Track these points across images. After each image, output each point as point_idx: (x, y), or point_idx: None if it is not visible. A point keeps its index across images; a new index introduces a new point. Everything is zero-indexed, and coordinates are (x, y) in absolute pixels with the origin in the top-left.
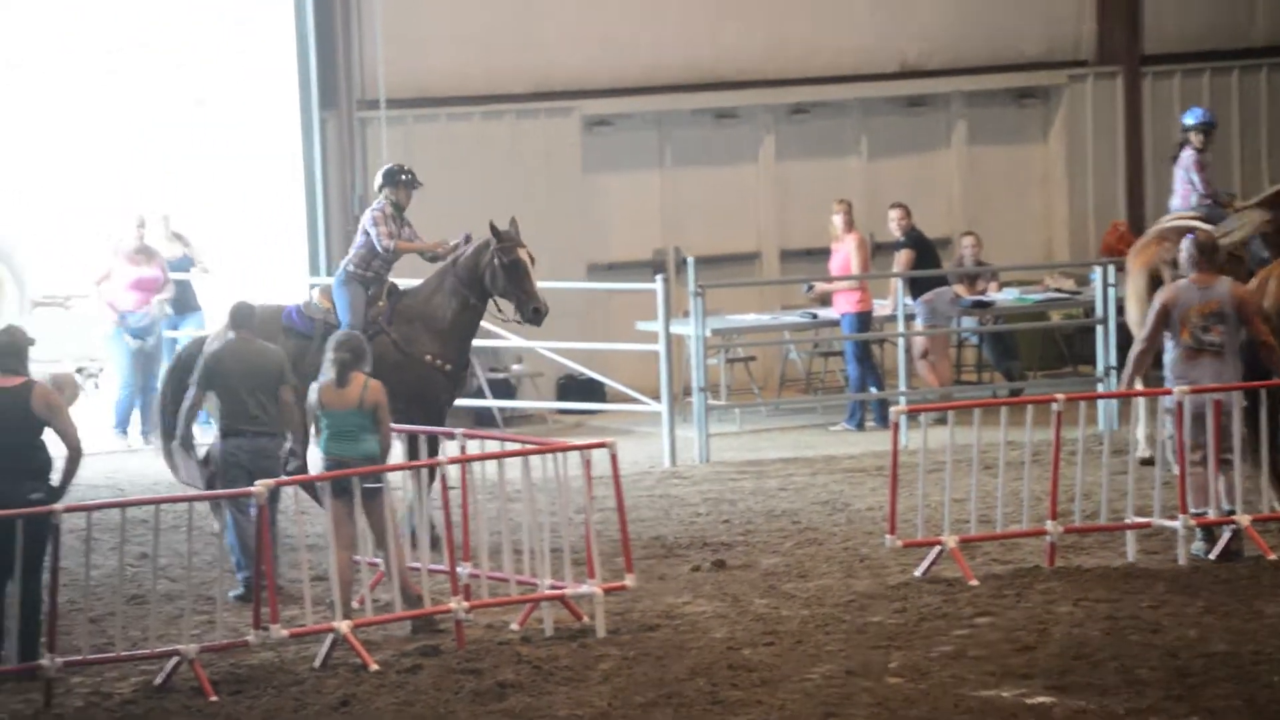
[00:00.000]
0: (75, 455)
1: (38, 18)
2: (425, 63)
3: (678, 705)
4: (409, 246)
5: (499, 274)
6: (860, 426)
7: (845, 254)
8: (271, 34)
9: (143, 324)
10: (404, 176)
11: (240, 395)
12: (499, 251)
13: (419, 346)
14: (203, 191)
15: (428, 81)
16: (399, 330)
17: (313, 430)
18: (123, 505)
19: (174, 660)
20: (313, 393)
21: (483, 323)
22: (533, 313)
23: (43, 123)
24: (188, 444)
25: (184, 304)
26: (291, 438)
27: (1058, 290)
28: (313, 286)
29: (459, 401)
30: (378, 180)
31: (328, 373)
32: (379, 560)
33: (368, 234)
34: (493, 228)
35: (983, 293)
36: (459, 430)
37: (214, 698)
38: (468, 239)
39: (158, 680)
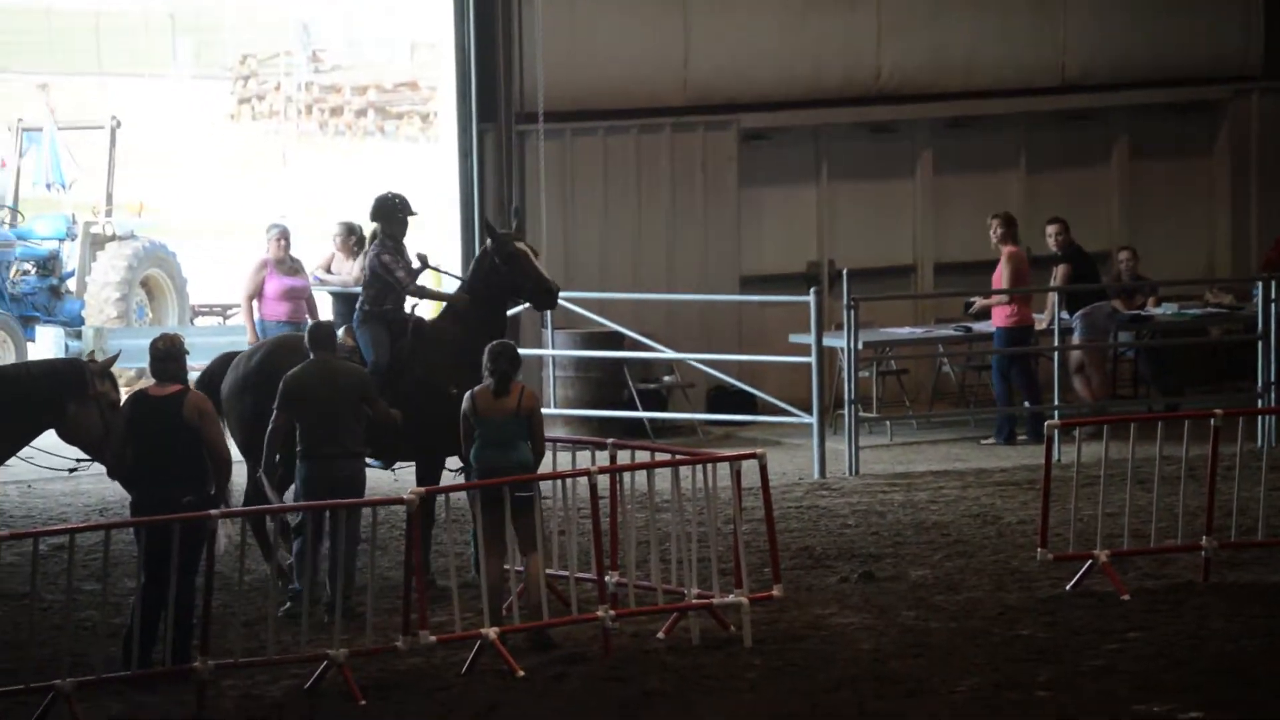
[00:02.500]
0: (222, 465)
1: (213, 34)
2: (583, 76)
3: (824, 716)
4: (430, 295)
5: (501, 271)
6: (1009, 441)
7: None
8: (432, 48)
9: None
10: (397, 200)
11: (317, 417)
12: (495, 252)
13: (443, 380)
14: (363, 205)
15: (586, 95)
16: (423, 365)
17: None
18: (275, 511)
19: (323, 664)
20: (466, 400)
21: (634, 334)
22: (545, 294)
23: (208, 135)
24: (270, 469)
25: None
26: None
27: (1218, 305)
28: (341, 326)
29: (610, 412)
30: (370, 210)
31: (486, 381)
32: (525, 568)
33: (376, 273)
34: (487, 226)
35: (1141, 307)
36: (609, 440)
37: (363, 702)
38: (421, 260)
39: (308, 684)
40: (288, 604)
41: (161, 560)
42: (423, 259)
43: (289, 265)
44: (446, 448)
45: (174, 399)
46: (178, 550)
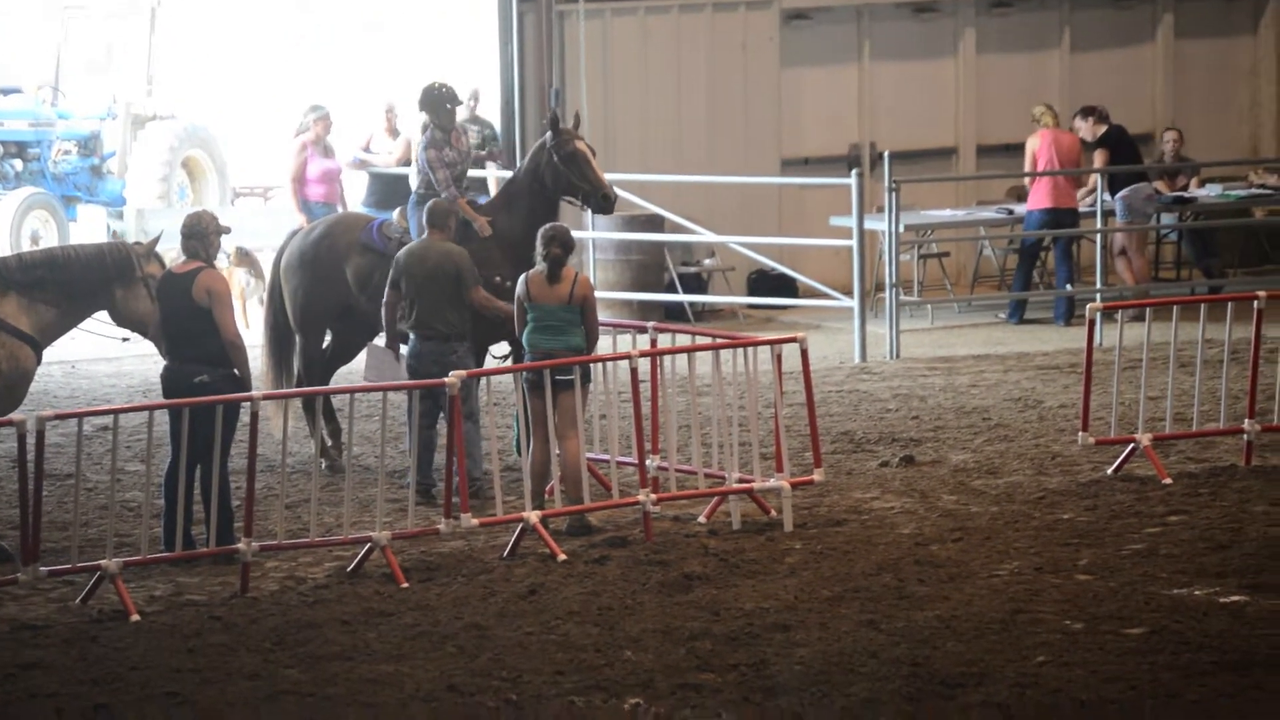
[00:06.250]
0: (232, 346)
1: None
2: None
3: (864, 600)
4: (465, 210)
5: (559, 170)
6: (1019, 320)
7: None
8: None
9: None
10: (444, 90)
11: (415, 296)
12: (555, 148)
13: (489, 267)
14: (403, 85)
15: None
16: (470, 250)
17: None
18: (316, 394)
19: (367, 547)
20: (520, 285)
21: (674, 217)
22: (602, 200)
23: (244, 13)
24: (391, 340)
25: (397, 196)
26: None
27: (1262, 186)
28: (377, 206)
29: (650, 295)
30: (418, 100)
31: (539, 266)
32: (562, 452)
33: (423, 166)
34: (552, 121)
35: (1184, 189)
36: (650, 324)
37: (405, 584)
38: (490, 155)
39: (350, 566)
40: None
41: (195, 441)
42: (491, 154)
43: (325, 147)
44: (489, 334)
45: (188, 276)
46: (199, 430)
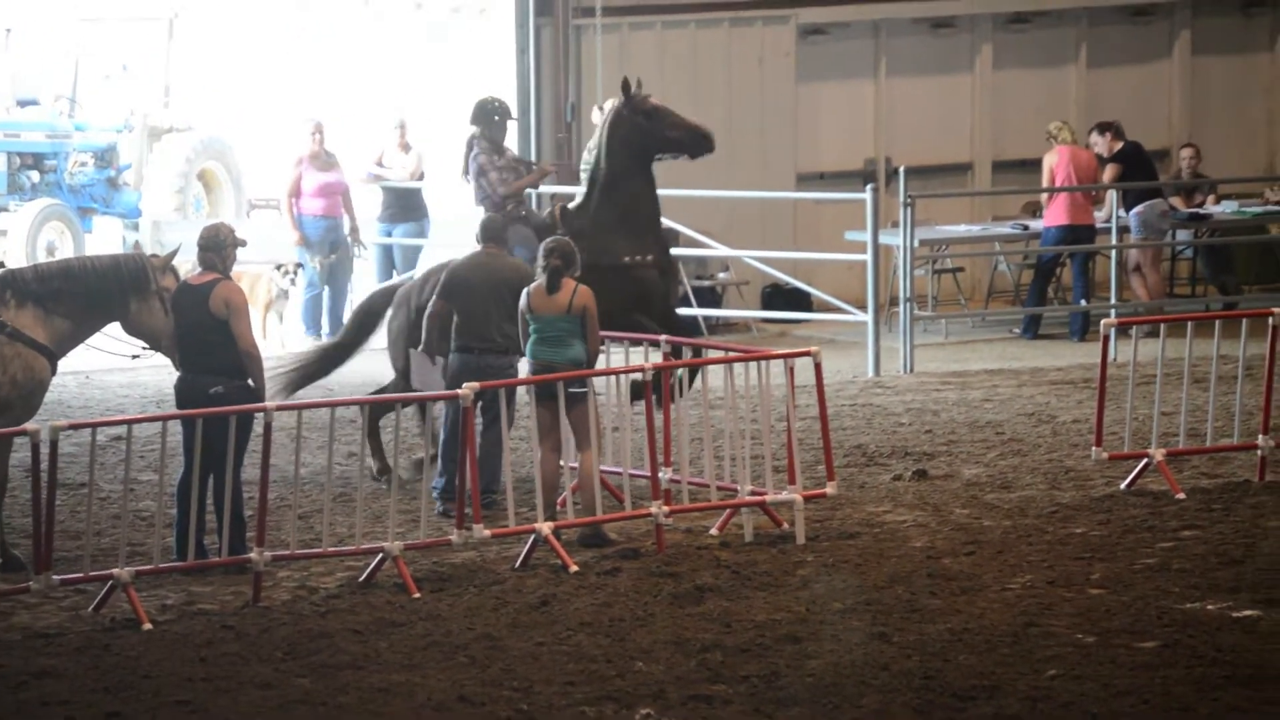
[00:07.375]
0: (248, 357)
1: None
2: None
3: (876, 612)
4: (520, 185)
5: (646, 127)
6: (1033, 335)
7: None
8: None
9: (326, 230)
10: (496, 104)
11: (470, 310)
12: (631, 112)
13: (611, 254)
14: (419, 99)
15: None
16: (583, 247)
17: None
18: (331, 405)
19: (379, 557)
20: (523, 298)
21: (689, 231)
22: (703, 139)
23: (262, 26)
24: (430, 350)
25: (410, 211)
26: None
27: (1278, 203)
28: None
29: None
30: (471, 114)
31: (539, 278)
32: (578, 464)
33: (477, 177)
34: (624, 87)
35: (1200, 205)
36: (663, 336)
37: (417, 594)
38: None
39: (362, 576)
40: (438, 505)
41: (208, 451)
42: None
43: (324, 160)
44: (651, 315)
45: (205, 288)
46: (212, 440)
